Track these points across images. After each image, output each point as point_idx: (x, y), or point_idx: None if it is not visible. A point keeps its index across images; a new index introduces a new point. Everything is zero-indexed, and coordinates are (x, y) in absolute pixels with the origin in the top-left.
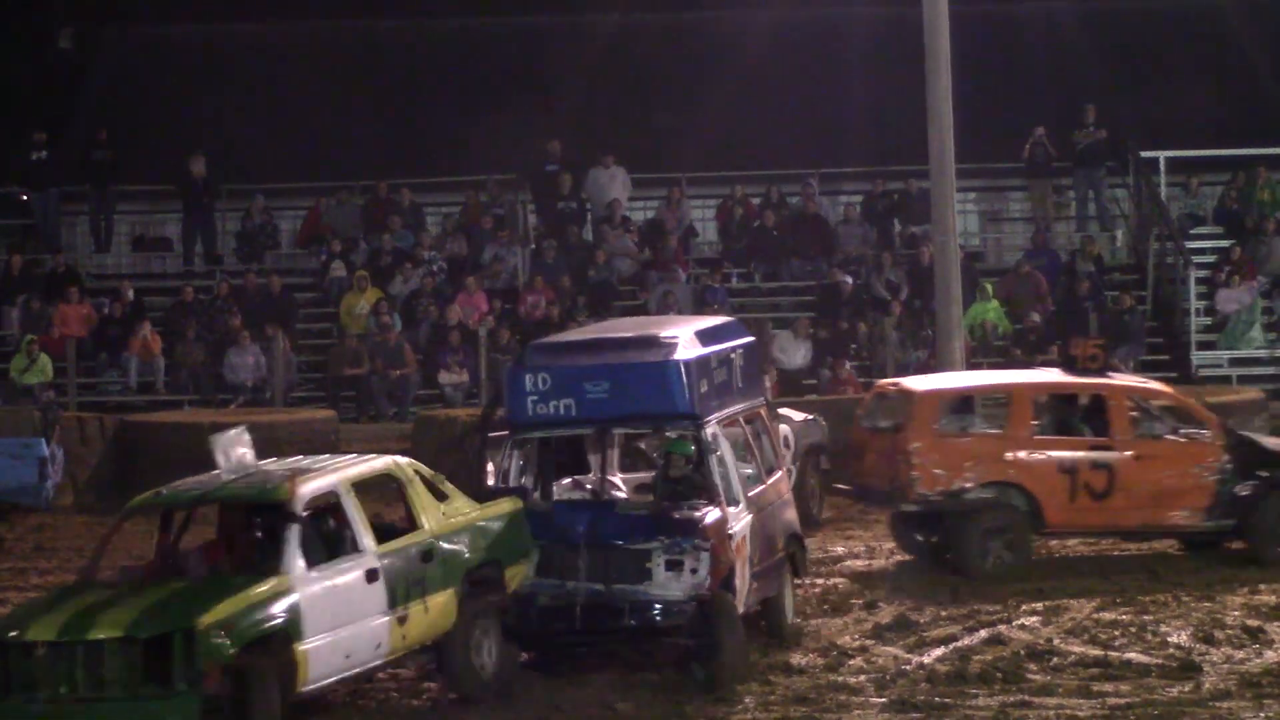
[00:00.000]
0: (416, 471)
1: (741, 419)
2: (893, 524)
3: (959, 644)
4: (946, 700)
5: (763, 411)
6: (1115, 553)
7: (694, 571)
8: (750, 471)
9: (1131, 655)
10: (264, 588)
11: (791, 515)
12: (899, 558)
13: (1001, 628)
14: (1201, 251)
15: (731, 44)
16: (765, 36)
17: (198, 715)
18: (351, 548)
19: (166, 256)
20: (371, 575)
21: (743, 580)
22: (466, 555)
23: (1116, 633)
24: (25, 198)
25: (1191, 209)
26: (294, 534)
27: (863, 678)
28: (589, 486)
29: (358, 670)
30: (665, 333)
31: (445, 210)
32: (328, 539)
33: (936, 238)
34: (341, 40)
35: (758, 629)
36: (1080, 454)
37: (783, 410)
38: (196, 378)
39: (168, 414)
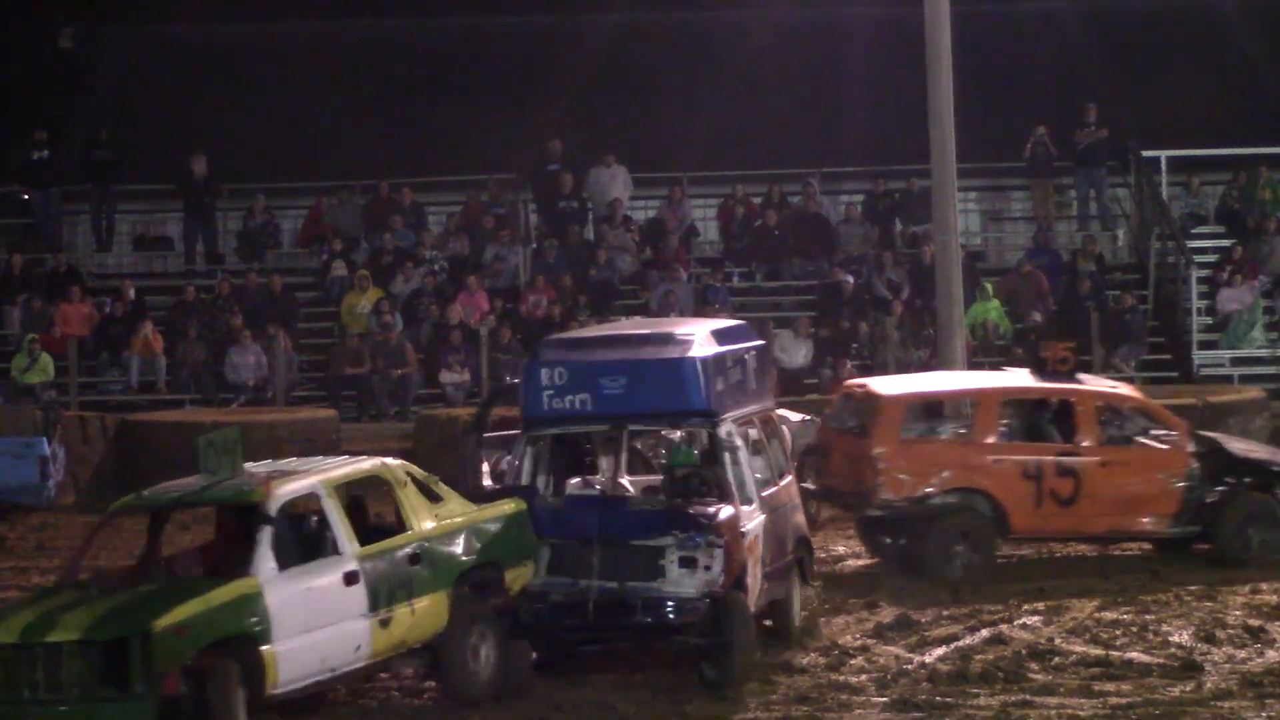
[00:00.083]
0: (408, 473)
1: (755, 420)
2: (859, 527)
3: (960, 643)
4: (948, 700)
5: (774, 414)
6: (1116, 552)
7: (707, 569)
8: (762, 473)
9: (1133, 655)
10: (228, 590)
11: (801, 519)
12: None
13: (1003, 627)
14: (1203, 251)
15: (733, 43)
16: (767, 36)
17: (153, 718)
18: (331, 550)
19: (168, 256)
20: (351, 577)
21: (754, 580)
22: (459, 557)
23: (1118, 632)
24: (26, 197)
25: (1193, 208)
26: (266, 536)
27: (864, 677)
28: (599, 486)
29: (337, 673)
30: (682, 331)
31: (447, 209)
32: (306, 541)
33: (938, 237)
34: (343, 40)
35: (762, 630)
36: (1046, 460)
37: (779, 410)
38: (198, 377)
39: (169, 413)
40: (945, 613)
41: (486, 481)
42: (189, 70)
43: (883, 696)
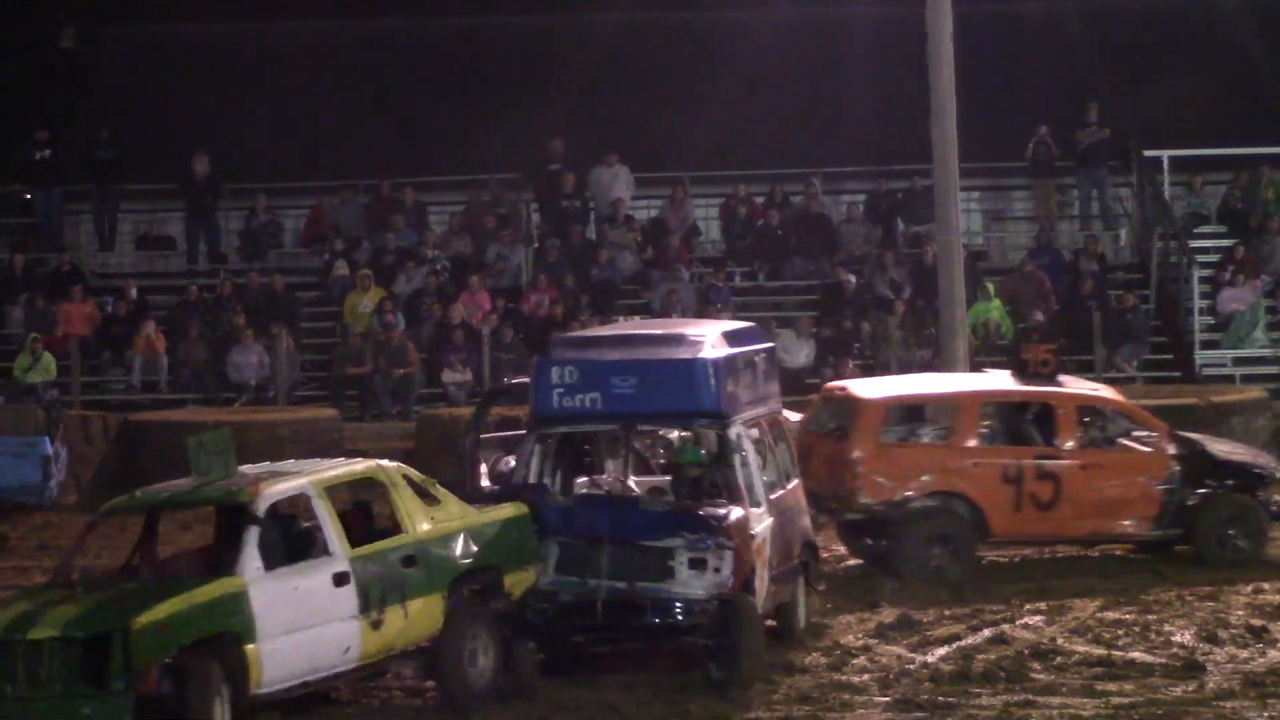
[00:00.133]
0: (405, 475)
1: (764, 422)
2: (839, 530)
3: (962, 643)
4: (950, 699)
5: (781, 417)
6: (1118, 551)
7: (717, 570)
8: (770, 476)
9: (1135, 654)
10: (211, 589)
11: (807, 523)
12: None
13: (1005, 627)
14: (1205, 251)
15: (735, 43)
16: (768, 35)
17: (129, 715)
18: (322, 551)
19: (170, 255)
20: (341, 578)
21: (762, 583)
22: (456, 560)
23: (1120, 632)
24: (29, 196)
25: (1195, 208)
26: (252, 536)
27: (866, 677)
28: (605, 486)
29: (326, 674)
30: (694, 332)
31: (449, 209)
32: (297, 541)
33: (940, 237)
34: (345, 39)
35: (767, 631)
36: (1026, 463)
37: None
38: (200, 376)
39: (171, 412)
40: (947, 612)
41: (485, 482)
42: (191, 70)
43: (885, 696)
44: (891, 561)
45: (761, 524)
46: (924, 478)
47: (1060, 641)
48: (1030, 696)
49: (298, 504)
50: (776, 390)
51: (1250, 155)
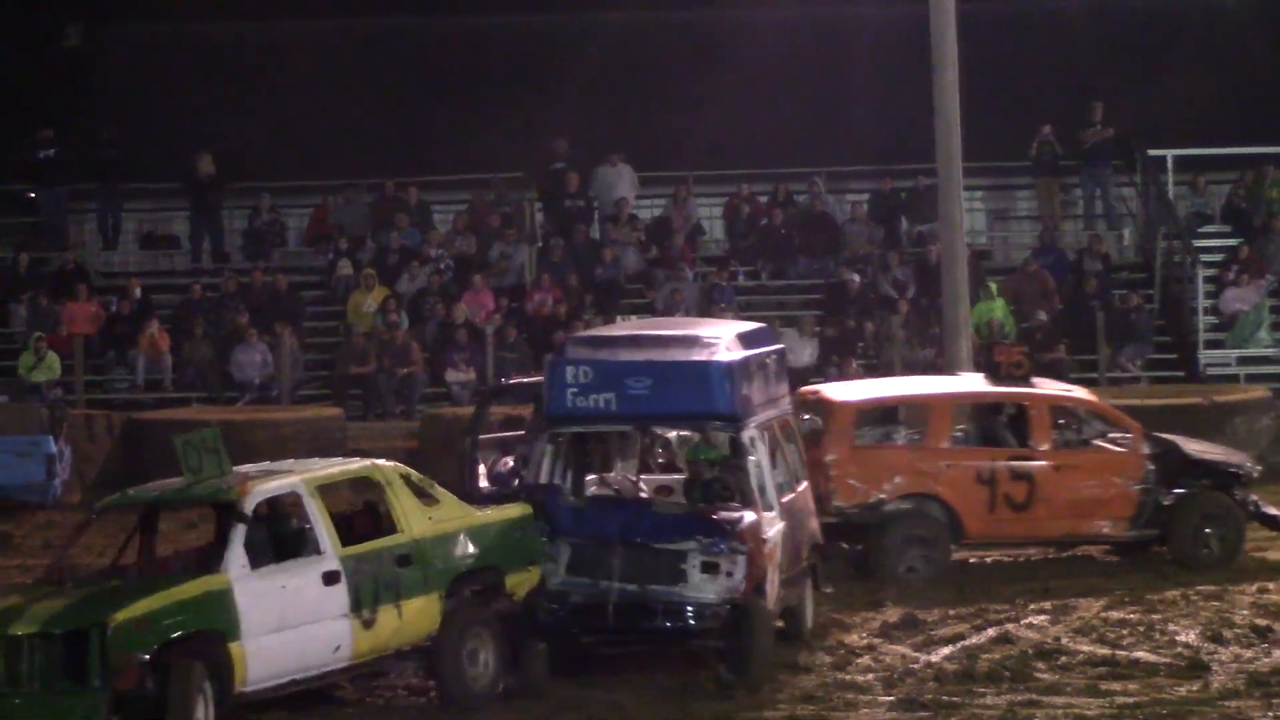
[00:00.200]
0: (402, 475)
1: (774, 424)
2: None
3: (967, 643)
4: (954, 699)
5: (790, 419)
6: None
7: (729, 575)
8: (781, 478)
9: (1140, 654)
10: (193, 586)
11: (815, 525)
12: None
13: (1009, 626)
14: (1209, 250)
15: (738, 42)
16: (772, 34)
17: (104, 711)
18: (313, 550)
19: (174, 254)
20: (331, 577)
21: (773, 587)
22: (454, 560)
23: (1125, 632)
24: (33, 195)
25: (1199, 207)
26: (238, 534)
27: (870, 676)
28: (614, 485)
29: (316, 672)
30: (708, 333)
31: (452, 208)
32: (288, 540)
33: (944, 236)
34: (349, 38)
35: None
36: (999, 464)
37: None
38: (204, 375)
39: (175, 411)
40: (951, 612)
41: (484, 483)
42: (195, 69)
43: (889, 696)
44: (867, 565)
45: (773, 528)
46: (897, 479)
47: (1065, 641)
48: (1035, 696)
49: (287, 502)
50: (787, 391)
51: (1254, 155)
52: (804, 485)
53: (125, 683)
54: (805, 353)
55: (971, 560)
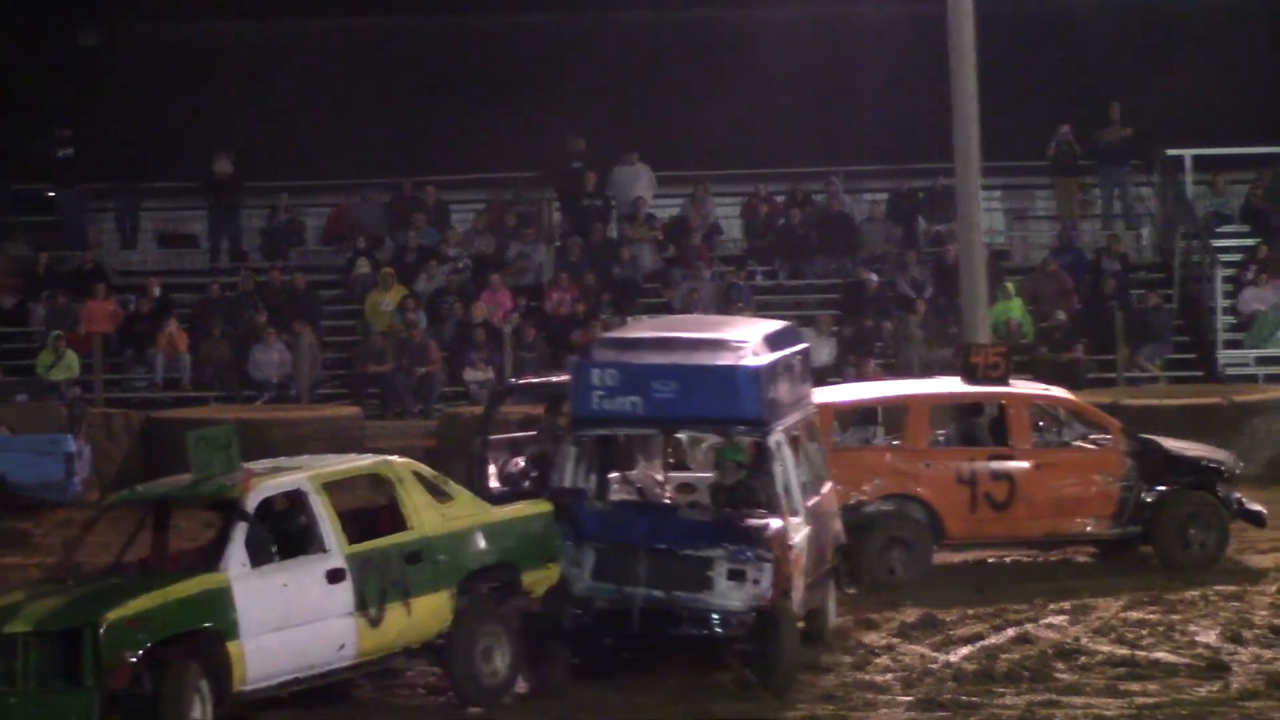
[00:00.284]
0: (414, 472)
1: (800, 426)
2: None
3: (986, 643)
4: (973, 699)
5: (815, 419)
6: (1142, 551)
7: (756, 583)
8: (805, 478)
9: (1159, 654)
10: (191, 585)
11: (839, 526)
12: None
13: (1029, 626)
14: (1228, 250)
15: (756, 41)
16: (790, 34)
17: (96, 710)
18: (318, 547)
19: (192, 253)
20: (335, 575)
21: (798, 593)
22: (466, 557)
23: (1144, 632)
24: (51, 194)
25: (1218, 207)
26: (239, 532)
27: (889, 676)
28: (637, 484)
29: (320, 671)
30: (736, 336)
31: (470, 207)
32: (293, 538)
33: (962, 235)
34: (367, 37)
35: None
36: (979, 464)
37: None
38: (222, 374)
39: (193, 410)
40: (970, 612)
41: (494, 483)
42: (213, 68)
43: (908, 695)
44: (850, 566)
45: (799, 534)
46: (878, 481)
47: (1084, 641)
48: (1054, 696)
49: (294, 500)
50: (811, 392)
51: (1273, 154)
52: (828, 486)
53: (118, 682)
54: (823, 353)
55: (990, 560)
